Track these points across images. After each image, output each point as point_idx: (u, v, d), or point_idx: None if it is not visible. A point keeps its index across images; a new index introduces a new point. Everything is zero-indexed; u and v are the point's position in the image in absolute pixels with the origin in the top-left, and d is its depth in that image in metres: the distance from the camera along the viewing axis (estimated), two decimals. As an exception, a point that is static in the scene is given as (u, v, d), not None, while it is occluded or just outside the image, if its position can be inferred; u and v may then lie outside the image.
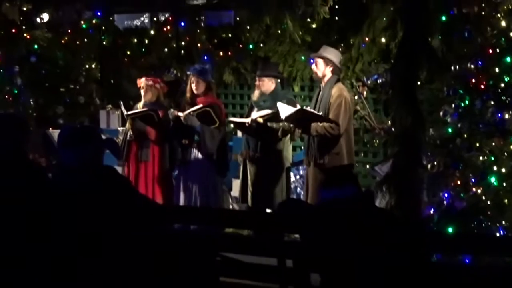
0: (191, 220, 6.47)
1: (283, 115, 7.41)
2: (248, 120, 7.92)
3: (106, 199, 4.22)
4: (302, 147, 8.63)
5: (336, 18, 9.24)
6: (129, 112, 8.42)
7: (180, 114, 8.12)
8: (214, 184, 8.28)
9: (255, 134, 7.94)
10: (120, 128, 10.00)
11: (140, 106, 8.57)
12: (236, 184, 9.09)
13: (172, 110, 8.20)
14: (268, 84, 8.08)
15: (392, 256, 4.00)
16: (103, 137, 4.79)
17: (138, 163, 8.41)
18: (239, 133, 9.63)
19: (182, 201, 8.24)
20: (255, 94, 8.18)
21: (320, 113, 7.36)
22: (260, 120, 7.80)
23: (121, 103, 8.74)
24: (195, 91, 8.26)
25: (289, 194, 8.21)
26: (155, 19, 12.22)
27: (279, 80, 8.39)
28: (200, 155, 8.21)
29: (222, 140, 8.30)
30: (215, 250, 4.21)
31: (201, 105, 8.04)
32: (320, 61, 7.64)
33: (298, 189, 9.13)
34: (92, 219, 4.07)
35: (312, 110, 7.37)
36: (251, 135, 8.02)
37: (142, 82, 8.53)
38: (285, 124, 7.79)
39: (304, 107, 7.36)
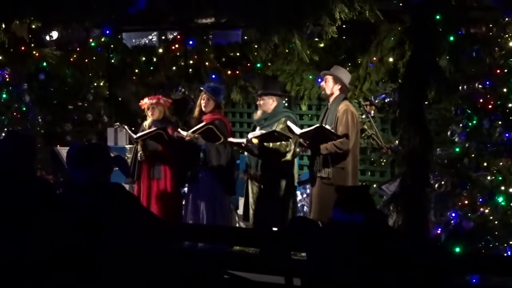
0: (198, 238, 6.47)
1: (297, 132, 7.47)
2: (243, 140, 7.98)
3: (115, 216, 4.24)
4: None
5: (344, 37, 9.29)
6: (138, 135, 8.43)
7: (184, 133, 8.12)
8: (221, 202, 8.28)
9: (254, 154, 7.97)
10: (127, 146, 10.03)
11: (147, 125, 8.59)
12: (242, 202, 9.11)
13: (179, 130, 8.22)
14: (269, 103, 8.11)
15: (400, 280, 4.00)
16: (112, 154, 4.81)
17: (150, 180, 8.44)
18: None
19: (190, 219, 8.25)
20: (257, 113, 8.22)
21: (331, 128, 7.41)
22: (255, 140, 7.82)
23: (126, 127, 8.78)
24: (203, 109, 8.27)
25: (295, 212, 8.20)
26: (163, 37, 12.32)
27: (282, 99, 8.42)
28: (207, 173, 8.21)
29: (229, 157, 8.29)
30: (223, 268, 4.21)
31: (203, 124, 8.06)
32: (329, 79, 7.78)
33: (305, 208, 9.13)
34: (101, 236, 4.09)
35: (329, 128, 7.41)
36: (252, 154, 8.04)
37: (145, 103, 8.59)
38: (283, 143, 7.83)
39: (322, 125, 7.39)
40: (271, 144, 7.87)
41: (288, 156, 8.00)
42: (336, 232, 4.21)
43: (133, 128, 9.28)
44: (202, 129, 8.00)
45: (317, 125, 7.51)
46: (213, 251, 6.59)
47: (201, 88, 8.46)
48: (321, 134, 7.41)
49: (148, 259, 4.12)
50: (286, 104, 8.66)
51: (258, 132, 7.85)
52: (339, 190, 4.68)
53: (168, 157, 8.43)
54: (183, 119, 9.75)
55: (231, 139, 8.18)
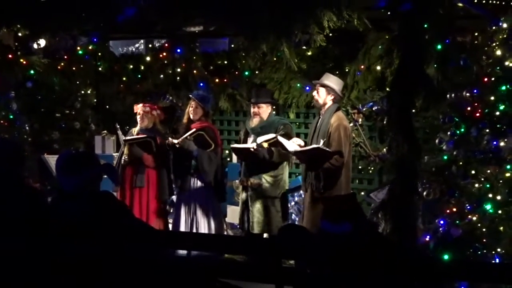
0: (190, 246, 6.48)
1: (290, 149, 7.41)
2: (253, 145, 7.89)
3: (105, 224, 4.24)
4: (299, 173, 8.64)
5: (332, 46, 9.32)
6: (127, 138, 8.41)
7: (175, 140, 8.12)
8: (214, 209, 8.28)
9: (260, 160, 7.90)
10: (115, 154, 10.02)
11: (135, 132, 8.58)
12: (232, 210, 9.10)
13: (170, 138, 8.22)
14: (266, 110, 8.11)
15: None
16: (101, 162, 4.81)
17: (133, 189, 8.40)
18: (234, 159, 9.65)
19: (183, 228, 8.22)
20: (254, 121, 8.15)
21: (328, 149, 7.29)
22: (265, 145, 7.77)
23: (118, 126, 8.73)
24: (191, 116, 8.29)
25: (286, 220, 8.21)
26: (150, 45, 12.32)
27: (273, 106, 8.45)
28: (199, 181, 8.22)
29: (219, 163, 8.31)
30: (214, 276, 4.22)
31: (193, 130, 8.08)
32: (322, 89, 7.62)
33: (293, 216, 9.14)
34: (92, 244, 4.09)
35: (326, 149, 7.28)
36: (255, 161, 7.96)
37: (139, 108, 8.53)
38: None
39: (319, 146, 7.27)
40: (273, 149, 7.89)
41: (286, 162, 8.08)
42: (324, 241, 4.22)
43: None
44: (193, 134, 8.02)
45: (314, 145, 7.37)
46: (204, 259, 6.60)
47: (190, 96, 8.49)
48: (317, 153, 7.31)
49: (140, 267, 4.12)
50: (274, 113, 8.64)
51: (267, 136, 7.78)
52: (325, 201, 4.67)
53: (151, 166, 8.38)
54: (170, 127, 9.75)
55: (235, 145, 8.17)
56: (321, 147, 7.17)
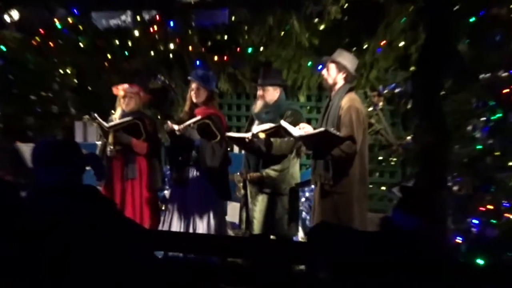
0: (188, 248, 6.47)
1: (295, 134, 7.30)
2: (248, 135, 7.80)
3: (90, 223, 4.24)
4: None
5: (348, 18, 9.30)
6: (111, 124, 8.30)
7: (175, 126, 8.02)
8: (215, 208, 8.21)
9: (256, 152, 7.85)
10: (98, 143, 10.00)
11: (116, 117, 8.50)
12: (233, 207, 9.07)
13: (169, 122, 8.12)
14: (273, 94, 8.01)
15: None
16: (83, 152, 4.79)
17: (124, 182, 8.36)
18: (236, 149, 9.63)
19: (177, 227, 8.18)
20: (257, 105, 8.07)
21: (338, 133, 7.22)
22: (262, 135, 7.69)
23: (96, 115, 8.52)
24: (194, 100, 8.19)
25: (297, 217, 8.18)
26: (139, 18, 12.27)
27: (283, 89, 8.39)
28: (199, 175, 8.16)
29: (223, 157, 8.23)
30: (216, 281, 4.23)
31: (199, 117, 7.97)
32: (332, 66, 7.51)
33: (304, 214, 9.13)
34: (75, 244, 4.08)
35: (336, 132, 7.19)
36: (252, 152, 7.93)
37: (125, 88, 8.46)
38: (290, 139, 7.71)
39: (327, 129, 7.18)
40: (278, 140, 7.81)
41: (294, 153, 7.99)
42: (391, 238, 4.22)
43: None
44: (197, 123, 7.93)
45: (321, 129, 7.25)
46: (205, 263, 6.61)
47: (188, 77, 8.40)
48: (325, 138, 7.22)
49: (133, 271, 4.12)
50: (283, 96, 8.60)
51: (266, 125, 7.71)
52: (405, 190, 4.65)
53: (143, 154, 8.35)
54: (163, 111, 9.73)
55: (230, 134, 8.04)
56: (330, 130, 7.05)
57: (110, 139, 8.28)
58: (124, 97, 8.43)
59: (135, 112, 8.39)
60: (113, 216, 4.48)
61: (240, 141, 7.83)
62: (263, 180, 7.92)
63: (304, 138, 7.20)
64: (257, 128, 7.67)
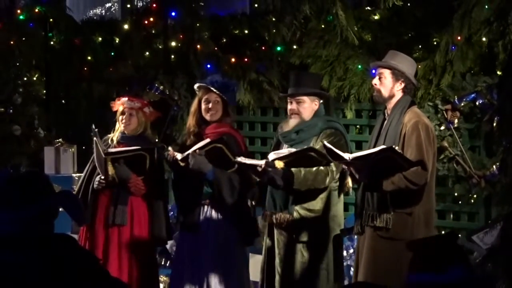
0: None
1: (345, 156, 7.18)
2: (261, 162, 7.72)
3: (61, 285, 4.26)
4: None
5: (411, 5, 9.32)
6: (111, 150, 8.27)
7: (179, 156, 7.93)
8: (236, 258, 8.18)
9: (276, 185, 7.76)
10: (75, 175, 10.05)
11: (114, 139, 8.46)
12: (254, 262, 9.06)
13: (170, 149, 8.07)
14: (311, 107, 7.97)
15: None
16: (56, 189, 4.81)
17: (108, 227, 8.34)
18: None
19: (186, 285, 8.17)
20: (290, 123, 8.03)
21: (399, 150, 7.09)
22: (280, 164, 7.59)
23: (96, 129, 8.37)
24: (209, 117, 8.10)
25: (342, 276, 8.15)
26: (129, 5, 12.35)
27: (323, 101, 8.37)
28: (214, 215, 8.11)
29: (244, 190, 8.17)
30: None
31: (207, 140, 7.91)
32: (386, 74, 7.48)
33: (352, 270, 9.13)
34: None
35: (400, 152, 7.06)
36: (272, 185, 7.84)
37: (124, 103, 8.41)
38: (321, 169, 7.62)
39: (393, 147, 7.04)
40: (302, 171, 7.74)
41: (331, 191, 7.92)
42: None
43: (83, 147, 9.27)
44: (206, 148, 7.88)
45: (383, 146, 7.16)
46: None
47: (202, 84, 8.31)
48: (387, 161, 7.12)
49: None
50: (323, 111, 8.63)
51: (285, 150, 7.65)
52: (416, 247, 4.70)
53: (140, 195, 8.32)
54: (161, 132, 9.76)
55: (241, 159, 7.88)
56: (395, 148, 6.97)
57: (110, 169, 8.18)
58: (123, 114, 8.36)
59: (137, 137, 8.34)
60: (95, 277, 4.50)
61: (253, 170, 7.73)
62: (294, 224, 7.87)
63: (358, 160, 7.08)
64: (272, 155, 7.52)
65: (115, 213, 8.22)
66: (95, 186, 8.22)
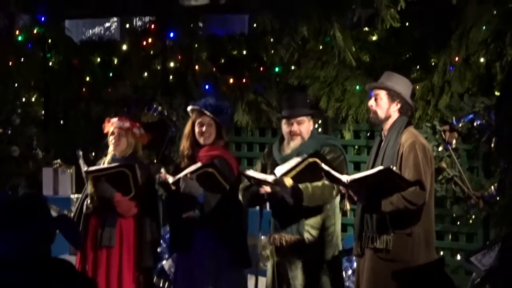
0: None
1: (343, 178, 7.17)
2: (270, 178, 7.70)
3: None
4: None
5: (409, 25, 9.32)
6: (92, 168, 8.27)
7: (170, 179, 7.92)
8: (230, 280, 8.16)
9: (285, 202, 7.74)
10: (74, 196, 10.02)
11: (106, 162, 8.51)
12: (260, 283, 9.01)
13: (162, 171, 8.05)
14: (309, 126, 7.99)
15: None
16: (53, 212, 4.81)
17: (97, 249, 8.32)
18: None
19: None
20: (291, 145, 8.00)
21: (397, 170, 7.08)
22: (289, 181, 7.58)
23: (81, 153, 8.48)
24: (200, 140, 8.12)
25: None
26: (128, 26, 12.35)
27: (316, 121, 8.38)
28: (205, 237, 8.09)
29: (237, 212, 8.15)
30: None
31: (199, 165, 7.91)
32: (382, 95, 7.49)
33: (352, 291, 9.13)
34: None
35: (398, 172, 7.06)
36: (281, 202, 7.80)
37: (114, 123, 8.43)
38: (326, 184, 7.59)
39: (390, 167, 7.02)
40: (310, 188, 7.69)
41: (337, 207, 7.92)
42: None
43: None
44: (197, 173, 7.87)
45: (380, 167, 7.17)
46: None
47: (193, 107, 8.31)
48: (385, 181, 7.12)
49: None
50: (319, 130, 8.66)
51: (287, 165, 7.55)
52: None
53: (128, 214, 8.28)
54: (159, 153, 9.74)
55: (251, 172, 7.79)
56: (393, 168, 6.97)
57: (90, 188, 8.20)
58: (112, 134, 8.36)
59: (128, 157, 8.34)
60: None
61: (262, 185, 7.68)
62: (304, 245, 7.83)
63: (356, 182, 7.10)
64: (280, 169, 7.49)
65: (103, 235, 8.22)
66: (83, 210, 8.24)
